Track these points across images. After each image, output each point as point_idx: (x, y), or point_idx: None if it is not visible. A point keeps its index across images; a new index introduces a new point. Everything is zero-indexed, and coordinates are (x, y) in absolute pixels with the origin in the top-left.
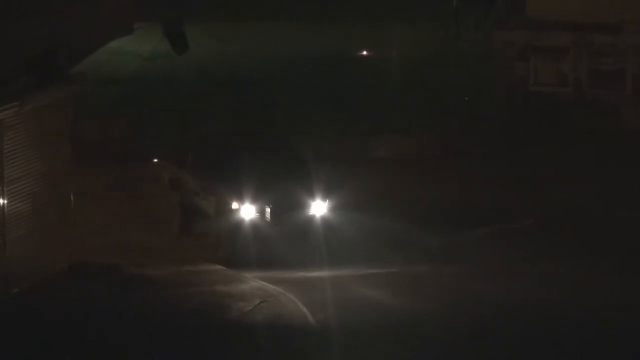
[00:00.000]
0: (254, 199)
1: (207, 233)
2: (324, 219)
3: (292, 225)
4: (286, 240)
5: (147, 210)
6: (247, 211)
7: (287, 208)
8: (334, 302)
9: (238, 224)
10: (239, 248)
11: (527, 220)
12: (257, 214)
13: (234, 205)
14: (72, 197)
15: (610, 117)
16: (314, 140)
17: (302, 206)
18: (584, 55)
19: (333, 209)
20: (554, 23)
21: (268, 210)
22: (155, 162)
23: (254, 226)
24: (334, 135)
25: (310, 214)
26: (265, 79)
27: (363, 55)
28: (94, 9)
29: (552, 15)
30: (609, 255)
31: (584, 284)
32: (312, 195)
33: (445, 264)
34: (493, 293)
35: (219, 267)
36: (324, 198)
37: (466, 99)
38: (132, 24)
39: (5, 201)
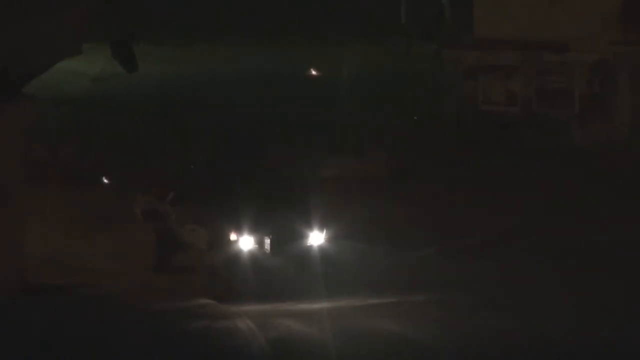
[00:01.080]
0: (252, 230)
1: (194, 266)
2: (322, 249)
3: (292, 256)
4: (286, 271)
5: (117, 239)
6: (245, 242)
7: (286, 239)
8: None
9: (236, 256)
10: (238, 280)
11: (474, 239)
12: (256, 245)
13: (232, 236)
14: (24, 218)
15: (559, 136)
16: (266, 161)
17: (301, 236)
18: (533, 73)
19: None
20: (502, 41)
21: (267, 241)
22: (130, 194)
23: (253, 257)
24: (286, 155)
25: (309, 244)
26: (214, 101)
27: (313, 75)
28: (41, 28)
29: (500, 34)
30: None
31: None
32: (309, 225)
33: (445, 292)
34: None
35: (206, 300)
36: (321, 227)
37: (415, 118)
38: (81, 44)
39: None
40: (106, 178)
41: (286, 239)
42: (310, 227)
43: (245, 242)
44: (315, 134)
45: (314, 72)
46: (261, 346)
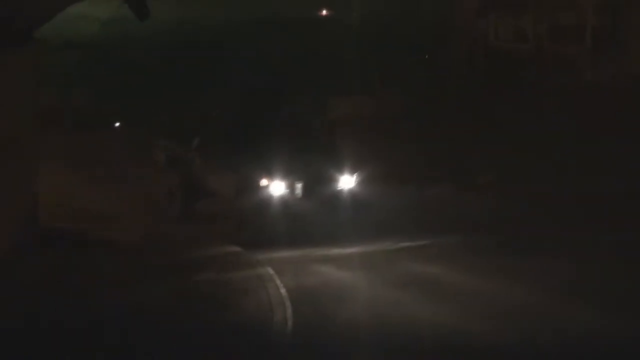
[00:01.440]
0: (284, 175)
1: (221, 213)
2: (353, 193)
3: (324, 200)
4: (319, 216)
5: (137, 189)
6: (277, 187)
7: (318, 183)
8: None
9: (266, 201)
10: (268, 226)
11: (486, 178)
12: (288, 190)
13: (263, 182)
14: (38, 163)
15: (571, 72)
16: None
17: (333, 180)
18: (543, 10)
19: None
20: None
21: (298, 186)
22: (152, 141)
23: (285, 202)
24: (296, 97)
25: (339, 188)
26: (225, 45)
27: (323, 15)
28: None
29: None
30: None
31: None
32: (339, 169)
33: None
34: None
35: (233, 247)
36: (351, 171)
37: (426, 56)
38: None
39: None
40: (120, 123)
41: (318, 183)
42: (340, 170)
43: (276, 187)
44: (326, 74)
45: (325, 12)
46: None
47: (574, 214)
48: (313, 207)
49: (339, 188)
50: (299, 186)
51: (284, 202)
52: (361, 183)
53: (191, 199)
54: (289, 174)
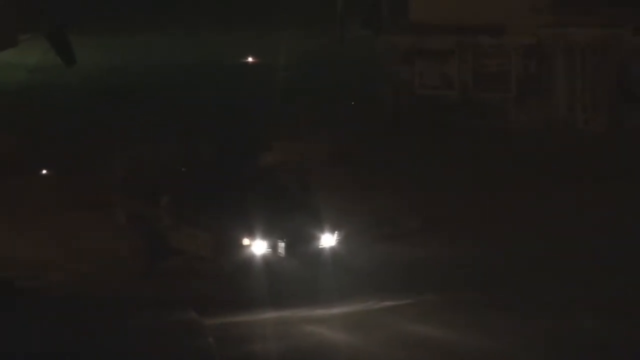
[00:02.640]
0: (265, 234)
1: (197, 272)
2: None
3: (306, 259)
4: (302, 275)
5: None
6: (258, 246)
7: (300, 241)
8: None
9: (249, 260)
10: (253, 285)
11: (413, 224)
12: (270, 250)
13: (245, 241)
14: None
15: (495, 119)
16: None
17: (315, 239)
18: (468, 57)
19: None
20: (438, 26)
21: (281, 245)
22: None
23: (268, 262)
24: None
25: (320, 246)
26: (152, 90)
27: (249, 62)
28: None
29: (436, 19)
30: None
31: None
32: (320, 227)
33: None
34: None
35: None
36: (332, 228)
37: (352, 103)
38: (16, 36)
39: None
40: (47, 169)
41: (300, 242)
42: (321, 228)
43: (258, 246)
44: (253, 121)
45: (251, 59)
46: None
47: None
48: (296, 266)
49: (321, 246)
50: (281, 245)
51: (267, 261)
52: (341, 241)
53: (159, 255)
54: (271, 233)
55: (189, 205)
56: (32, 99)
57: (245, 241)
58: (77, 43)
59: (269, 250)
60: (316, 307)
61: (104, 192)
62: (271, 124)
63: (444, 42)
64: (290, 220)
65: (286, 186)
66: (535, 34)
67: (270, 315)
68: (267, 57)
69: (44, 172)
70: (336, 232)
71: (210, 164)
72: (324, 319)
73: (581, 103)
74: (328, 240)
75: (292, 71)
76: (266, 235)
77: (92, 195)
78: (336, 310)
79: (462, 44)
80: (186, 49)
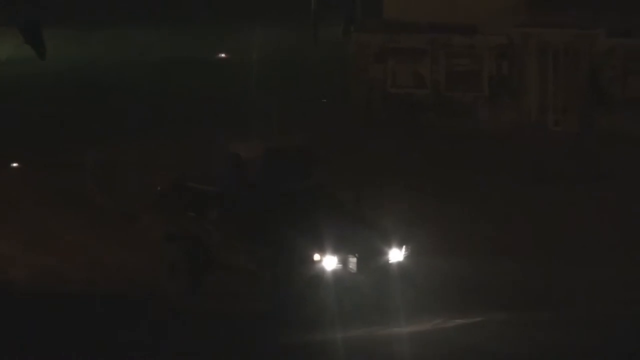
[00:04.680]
0: (335, 249)
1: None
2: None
3: (377, 274)
4: (372, 292)
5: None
6: (329, 262)
7: (371, 256)
8: None
9: (319, 277)
10: (322, 302)
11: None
12: (340, 265)
13: (315, 256)
14: None
15: (467, 118)
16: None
17: (384, 254)
18: (441, 56)
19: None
20: (411, 25)
21: (352, 260)
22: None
23: (338, 278)
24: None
25: (389, 261)
26: (123, 84)
27: (221, 58)
28: None
29: (409, 18)
30: None
31: None
32: (388, 241)
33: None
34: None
35: None
36: (400, 243)
37: (324, 101)
38: None
39: None
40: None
41: (372, 256)
42: (389, 243)
43: (329, 262)
44: (223, 118)
45: (223, 55)
46: None
47: None
48: (366, 282)
49: (389, 261)
50: (352, 260)
51: (337, 277)
52: (409, 256)
53: (201, 271)
54: (341, 248)
55: (241, 220)
56: (4, 92)
57: (316, 257)
58: (50, 36)
59: (340, 266)
60: (385, 325)
61: (81, 188)
62: (241, 121)
63: (417, 41)
64: (361, 234)
65: (342, 200)
66: (507, 34)
67: (340, 335)
68: (240, 53)
69: (14, 165)
70: (404, 246)
71: (260, 175)
72: (391, 338)
73: (553, 104)
74: (396, 255)
75: (264, 68)
76: (337, 250)
77: (69, 191)
78: (404, 329)
79: (435, 43)
80: (158, 44)
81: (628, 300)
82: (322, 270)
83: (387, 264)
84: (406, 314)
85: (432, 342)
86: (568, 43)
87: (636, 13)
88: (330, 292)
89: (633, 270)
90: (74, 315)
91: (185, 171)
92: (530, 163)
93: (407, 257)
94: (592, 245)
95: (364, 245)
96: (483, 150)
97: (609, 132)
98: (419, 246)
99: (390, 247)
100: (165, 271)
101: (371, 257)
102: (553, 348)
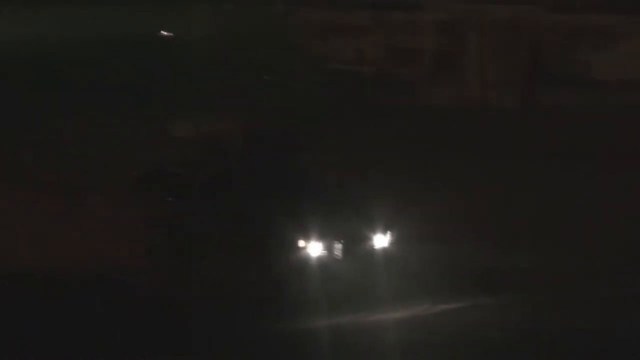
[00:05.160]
0: (321, 234)
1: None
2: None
3: (362, 261)
4: (357, 278)
5: None
6: (314, 248)
7: (357, 242)
8: None
9: (304, 264)
10: (308, 288)
11: None
12: (326, 251)
13: (300, 242)
14: None
15: (408, 94)
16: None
17: (370, 239)
18: (382, 33)
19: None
20: (352, 2)
21: (337, 247)
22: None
23: (323, 264)
24: (138, 117)
25: (375, 247)
26: (68, 63)
27: (164, 36)
28: None
29: None
30: None
31: None
32: (373, 227)
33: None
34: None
35: None
36: (385, 228)
37: (266, 77)
38: None
39: None
40: None
41: (358, 242)
42: (374, 228)
43: (314, 248)
44: (166, 96)
45: (164, 33)
46: None
47: None
48: (352, 268)
49: (375, 247)
50: (337, 247)
51: (322, 263)
52: (394, 241)
53: (184, 258)
54: (326, 234)
55: (229, 203)
56: None
57: (301, 243)
58: None
59: (325, 252)
60: (370, 311)
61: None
62: (183, 99)
63: (359, 18)
64: (346, 219)
65: (336, 183)
66: (449, 10)
67: (324, 322)
68: (183, 31)
69: None
70: (389, 232)
71: (250, 157)
72: (376, 325)
73: (494, 80)
74: (381, 240)
75: (206, 46)
76: (322, 236)
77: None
78: (389, 315)
79: (377, 20)
80: (97, 21)
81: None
82: (307, 257)
83: (372, 250)
84: (391, 300)
85: (417, 327)
86: (509, 19)
87: None
88: (315, 279)
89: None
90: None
91: (164, 155)
92: (472, 138)
93: (392, 243)
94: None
95: (349, 231)
96: (421, 126)
97: (549, 107)
98: (405, 231)
99: (375, 232)
100: (146, 257)
101: (356, 243)
102: (540, 331)
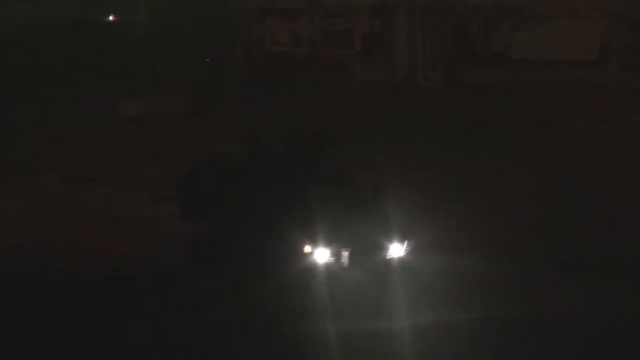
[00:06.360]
0: (328, 241)
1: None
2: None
3: (372, 270)
4: (366, 288)
5: None
6: (321, 255)
7: (365, 251)
8: None
9: (310, 271)
10: (313, 297)
11: None
12: (333, 258)
13: (306, 248)
14: None
15: (340, 74)
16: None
17: (382, 248)
18: (317, 16)
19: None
20: None
21: (345, 254)
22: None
23: (330, 272)
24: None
25: (388, 256)
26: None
27: (110, 20)
28: None
29: None
30: None
31: None
32: (388, 235)
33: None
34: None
35: None
36: (402, 237)
37: (207, 59)
38: None
39: None
40: None
41: (366, 251)
42: (389, 237)
43: (321, 255)
44: (115, 77)
45: (112, 18)
46: None
47: None
48: (359, 278)
49: (389, 257)
50: (345, 254)
51: (329, 272)
52: (411, 251)
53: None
54: (334, 240)
55: (247, 206)
56: None
57: (307, 248)
58: None
59: (332, 259)
60: (376, 321)
61: None
62: (128, 80)
63: (294, 2)
64: (356, 226)
65: (353, 185)
66: None
67: (326, 329)
68: (127, 15)
69: None
70: (406, 241)
71: (273, 161)
72: (381, 334)
73: (421, 60)
74: (397, 250)
75: (151, 29)
76: (329, 243)
77: None
78: (395, 324)
79: (311, 4)
80: (46, 6)
81: None
82: (314, 264)
83: (384, 260)
84: (398, 312)
85: (421, 340)
86: (435, 2)
87: None
88: (321, 287)
89: None
90: None
91: (204, 157)
92: (398, 115)
93: (408, 253)
94: None
95: (359, 239)
96: (353, 104)
97: (474, 85)
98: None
99: (390, 241)
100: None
101: (365, 251)
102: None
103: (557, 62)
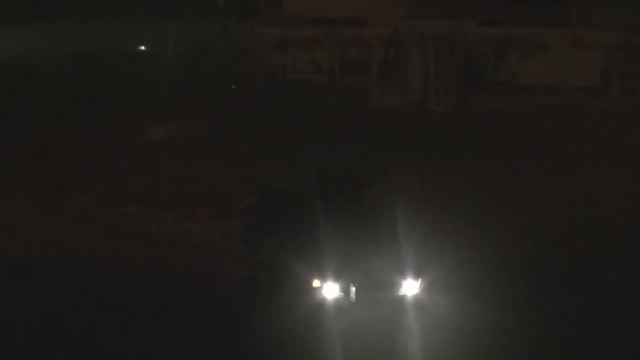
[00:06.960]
0: (337, 276)
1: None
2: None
3: (382, 307)
4: (374, 327)
5: None
6: (330, 290)
7: (375, 286)
8: None
9: (317, 307)
10: (324, 334)
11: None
12: (342, 294)
13: (315, 282)
14: None
15: (358, 101)
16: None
17: (393, 284)
18: (335, 46)
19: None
20: (308, 18)
21: (353, 289)
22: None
23: (339, 309)
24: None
25: (401, 293)
26: (51, 76)
27: (141, 50)
28: None
29: (306, 12)
30: None
31: None
32: (402, 271)
33: None
34: None
35: None
36: (416, 274)
37: (233, 87)
38: None
39: None
40: None
41: (376, 286)
42: (402, 272)
43: (329, 290)
44: (143, 103)
45: (142, 48)
46: None
47: None
48: (367, 314)
49: (401, 294)
50: (353, 290)
51: (338, 308)
52: (427, 289)
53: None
54: (343, 274)
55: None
56: None
57: (316, 283)
58: None
59: (341, 294)
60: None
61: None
62: (157, 104)
63: (313, 33)
64: (365, 261)
65: (372, 217)
66: (393, 25)
67: None
68: (157, 46)
69: None
70: (421, 278)
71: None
72: None
73: (433, 87)
74: (411, 287)
75: (178, 59)
76: (338, 277)
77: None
78: None
79: (329, 34)
80: (78, 39)
81: None
82: (322, 299)
83: (396, 296)
84: (405, 351)
85: None
86: (445, 32)
87: (504, 4)
88: (329, 323)
89: None
90: None
91: (272, 184)
92: (417, 139)
93: (423, 290)
94: None
95: (368, 274)
96: (370, 129)
97: (481, 110)
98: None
99: (403, 278)
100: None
101: (374, 287)
102: None
103: (561, 88)
